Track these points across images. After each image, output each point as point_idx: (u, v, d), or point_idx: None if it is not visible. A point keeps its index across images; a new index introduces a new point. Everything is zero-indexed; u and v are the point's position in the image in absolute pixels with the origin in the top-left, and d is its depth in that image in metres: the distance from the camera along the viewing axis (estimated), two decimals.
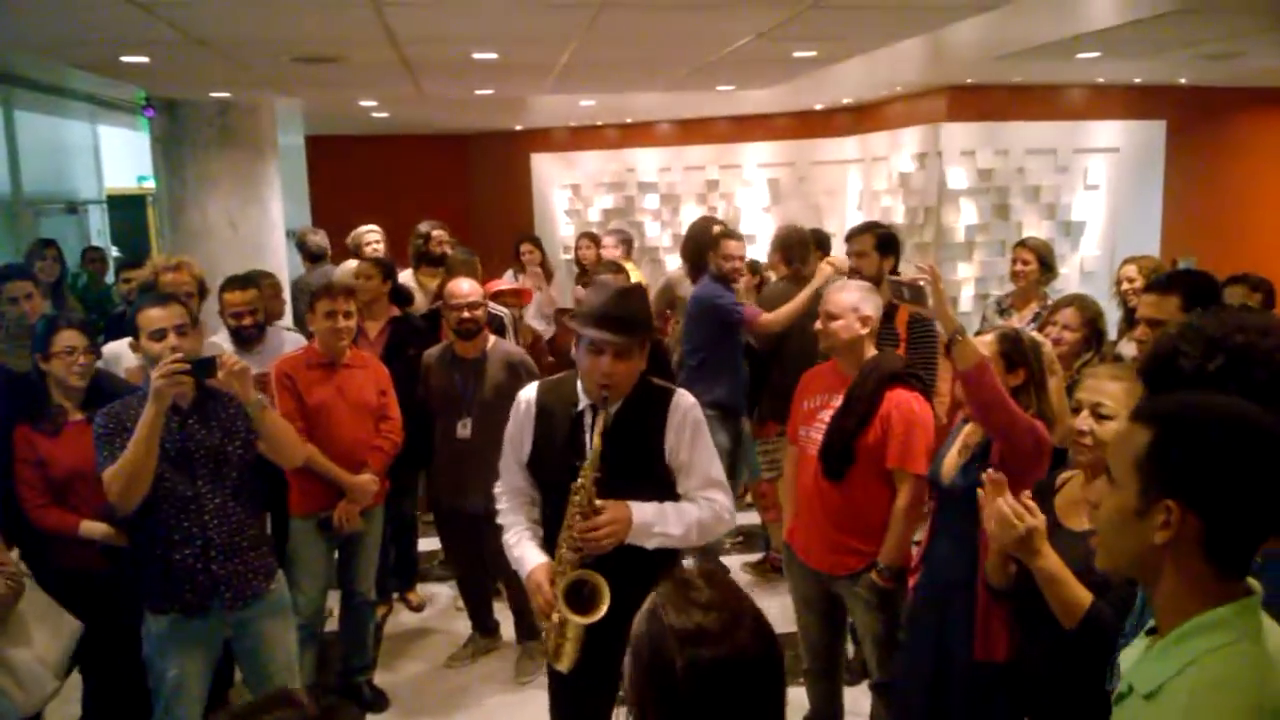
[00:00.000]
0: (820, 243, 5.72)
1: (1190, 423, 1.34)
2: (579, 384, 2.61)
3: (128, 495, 2.79)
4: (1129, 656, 1.45)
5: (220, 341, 4.11)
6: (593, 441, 2.47)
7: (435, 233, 5.84)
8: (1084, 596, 2.05)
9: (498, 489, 2.81)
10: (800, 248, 5.01)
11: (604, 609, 2.39)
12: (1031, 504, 2.11)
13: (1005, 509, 2.09)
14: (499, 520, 2.79)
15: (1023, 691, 2.47)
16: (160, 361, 2.79)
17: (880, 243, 4.37)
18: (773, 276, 5.42)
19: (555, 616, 2.48)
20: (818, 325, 3.30)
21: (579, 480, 2.45)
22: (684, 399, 2.65)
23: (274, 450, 3.10)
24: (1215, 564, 1.32)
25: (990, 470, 2.19)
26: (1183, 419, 1.35)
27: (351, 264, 5.88)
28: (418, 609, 5.06)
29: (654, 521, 2.51)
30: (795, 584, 3.51)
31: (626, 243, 7.45)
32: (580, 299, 4.85)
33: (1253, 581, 1.35)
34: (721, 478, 2.69)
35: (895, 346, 3.94)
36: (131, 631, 3.03)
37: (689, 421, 2.61)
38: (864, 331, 3.22)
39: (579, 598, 2.44)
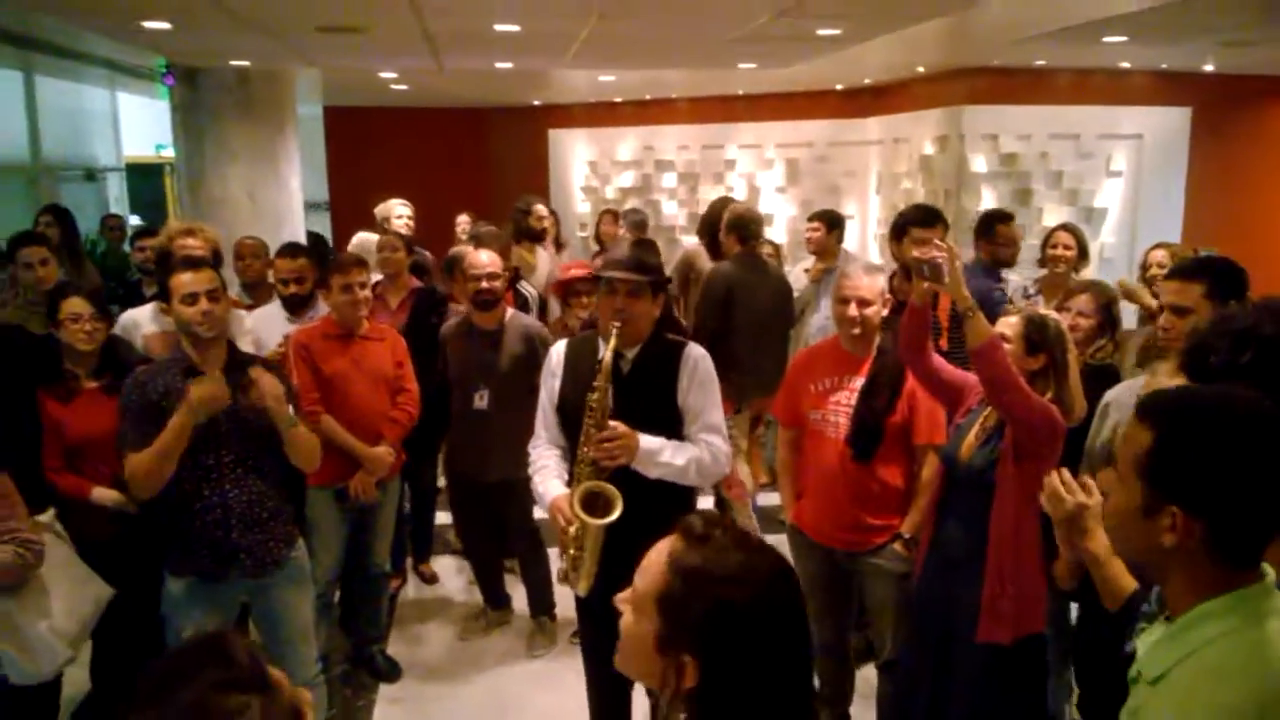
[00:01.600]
0: (835, 223, 5.69)
1: (1190, 425, 1.33)
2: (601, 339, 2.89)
3: (145, 488, 2.88)
4: (1146, 640, 1.46)
5: (271, 312, 4.23)
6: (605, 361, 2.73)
7: (536, 207, 5.69)
8: (1128, 584, 1.94)
9: (533, 442, 3.04)
10: (755, 225, 5.08)
11: (616, 514, 2.59)
12: (1090, 483, 2.02)
13: (1056, 483, 2.05)
14: (529, 470, 2.98)
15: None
16: (194, 326, 2.87)
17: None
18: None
19: (573, 530, 2.67)
20: (851, 312, 3.23)
21: (593, 395, 2.72)
22: (695, 350, 2.94)
23: (294, 456, 3.11)
24: (1224, 563, 1.33)
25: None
26: (1182, 421, 1.34)
27: (364, 236, 5.87)
28: (431, 581, 5.09)
29: (659, 449, 2.75)
30: (805, 565, 3.48)
31: (639, 224, 7.39)
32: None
33: (1266, 567, 1.35)
34: (722, 426, 2.92)
35: (937, 337, 3.87)
36: (140, 597, 3.06)
37: (700, 370, 2.90)
38: (886, 314, 3.28)
39: (594, 509, 2.64)
